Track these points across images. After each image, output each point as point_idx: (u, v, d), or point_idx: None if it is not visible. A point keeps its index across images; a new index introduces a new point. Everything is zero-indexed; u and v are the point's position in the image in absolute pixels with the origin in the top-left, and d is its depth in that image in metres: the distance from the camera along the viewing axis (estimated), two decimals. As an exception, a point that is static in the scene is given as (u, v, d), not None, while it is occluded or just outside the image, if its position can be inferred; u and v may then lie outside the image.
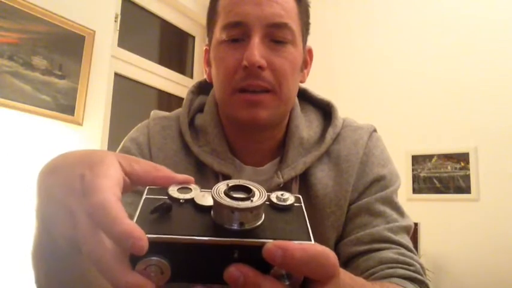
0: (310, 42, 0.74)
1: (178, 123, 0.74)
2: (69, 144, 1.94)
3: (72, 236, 0.33)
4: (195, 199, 0.34)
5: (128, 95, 2.59)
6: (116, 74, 2.42)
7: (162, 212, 0.32)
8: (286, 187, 0.69)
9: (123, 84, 2.48)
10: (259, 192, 0.33)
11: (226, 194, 0.32)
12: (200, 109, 0.76)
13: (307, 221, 0.34)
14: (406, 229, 0.69)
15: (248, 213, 0.31)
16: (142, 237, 0.28)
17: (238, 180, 0.34)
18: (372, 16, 2.84)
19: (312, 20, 0.73)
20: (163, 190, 0.35)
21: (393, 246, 0.65)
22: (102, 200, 0.30)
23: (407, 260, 0.64)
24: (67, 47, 1.96)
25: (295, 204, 0.36)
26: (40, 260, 0.45)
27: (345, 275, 0.40)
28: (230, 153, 0.70)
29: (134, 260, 0.29)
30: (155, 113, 0.79)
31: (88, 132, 2.03)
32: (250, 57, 0.60)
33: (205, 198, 0.34)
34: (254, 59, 0.60)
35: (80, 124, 2.00)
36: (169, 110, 0.81)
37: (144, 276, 0.29)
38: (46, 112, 1.86)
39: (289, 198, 0.35)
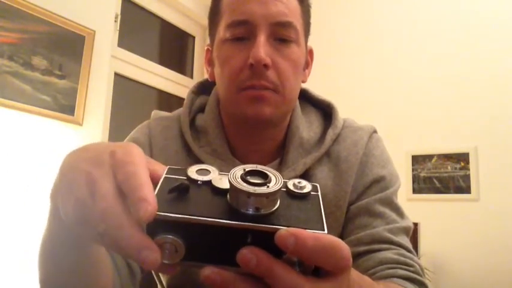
0: (311, 42, 0.74)
1: (179, 123, 0.74)
2: (69, 144, 1.94)
3: (86, 204, 0.33)
4: (213, 181, 0.34)
5: (128, 95, 2.59)
6: (116, 74, 2.42)
7: (179, 192, 0.32)
8: None
9: (123, 84, 2.48)
10: (276, 178, 0.33)
11: (243, 178, 0.32)
12: (201, 109, 0.76)
13: (323, 211, 0.34)
14: (405, 230, 0.69)
15: (264, 198, 0.31)
16: (152, 203, 0.30)
17: (255, 166, 0.34)
18: (372, 16, 2.84)
19: (312, 20, 0.73)
20: (183, 170, 0.35)
21: (393, 247, 0.65)
22: (135, 170, 0.32)
23: (408, 260, 0.64)
24: (67, 47, 1.97)
25: (312, 193, 0.36)
26: (49, 253, 0.45)
27: (353, 272, 0.40)
28: (230, 154, 0.70)
29: (151, 236, 0.30)
30: (156, 113, 0.79)
31: (88, 132, 2.03)
32: (256, 55, 0.61)
33: (223, 181, 0.34)
34: (260, 56, 0.60)
35: (80, 124, 2.00)
36: (169, 110, 0.81)
37: (159, 252, 0.30)
38: (46, 112, 1.86)
39: (306, 186, 0.36)
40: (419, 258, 0.68)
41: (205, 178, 0.35)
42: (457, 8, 2.52)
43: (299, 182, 0.36)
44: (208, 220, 0.31)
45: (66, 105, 1.94)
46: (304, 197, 0.35)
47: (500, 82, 2.32)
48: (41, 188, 1.77)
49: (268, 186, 0.32)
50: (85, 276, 0.46)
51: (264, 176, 0.33)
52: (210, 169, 0.36)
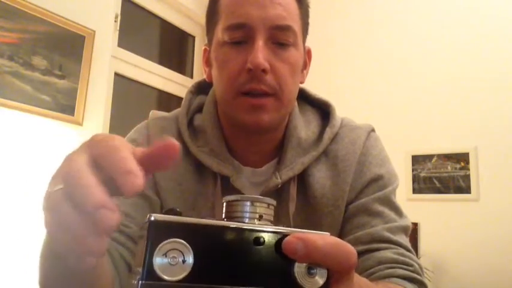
0: (311, 42, 0.74)
1: (177, 123, 0.74)
2: (69, 144, 1.94)
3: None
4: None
5: (128, 95, 2.59)
6: (116, 74, 2.42)
7: (173, 214, 0.31)
8: (284, 188, 0.69)
9: (123, 84, 2.48)
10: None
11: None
12: (199, 109, 0.76)
13: None
14: (404, 229, 0.69)
15: (266, 205, 0.32)
16: (138, 175, 0.29)
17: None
18: (372, 16, 2.84)
19: (311, 19, 0.72)
20: None
21: (392, 246, 0.65)
22: (115, 144, 0.31)
23: (407, 260, 0.64)
24: (67, 47, 1.97)
25: None
26: (46, 258, 0.46)
27: (359, 279, 0.39)
28: (229, 154, 0.70)
29: (156, 242, 0.28)
30: (154, 113, 0.79)
31: (88, 132, 2.03)
32: (254, 60, 0.60)
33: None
34: (258, 61, 0.60)
35: (80, 124, 2.00)
36: (169, 110, 0.81)
37: (163, 263, 0.27)
38: (46, 112, 1.86)
39: None
40: (419, 258, 0.68)
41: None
42: (458, 8, 2.53)
43: None
44: (219, 222, 0.29)
45: (66, 105, 1.94)
46: None
47: (500, 82, 2.32)
48: (41, 188, 1.77)
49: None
50: (82, 281, 0.46)
51: None
52: None
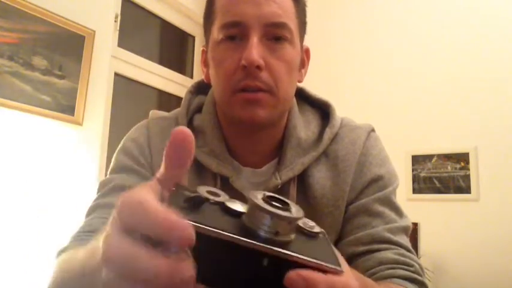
0: (311, 41, 0.74)
1: (177, 123, 0.74)
2: (69, 144, 1.94)
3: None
4: (226, 203, 0.32)
5: (128, 95, 2.59)
6: (116, 74, 2.42)
7: (194, 204, 0.30)
8: (284, 188, 0.69)
9: (123, 84, 2.48)
10: (296, 208, 0.32)
11: (265, 201, 0.30)
12: (199, 109, 0.76)
13: (335, 251, 0.33)
14: (404, 229, 0.69)
15: (286, 223, 0.30)
16: (185, 225, 0.26)
17: (272, 194, 0.33)
18: (372, 16, 2.84)
19: (311, 19, 0.72)
20: (192, 188, 0.33)
21: (392, 246, 0.65)
22: (140, 199, 0.28)
23: (407, 260, 0.64)
24: (67, 47, 1.96)
25: (321, 235, 0.35)
26: (70, 277, 0.44)
27: (355, 273, 0.39)
28: (228, 154, 0.70)
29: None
30: (154, 113, 0.79)
31: (88, 132, 2.03)
32: (248, 57, 0.60)
33: (235, 204, 0.32)
34: (253, 58, 0.60)
35: (80, 124, 2.00)
36: (169, 110, 0.81)
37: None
38: (46, 112, 1.86)
39: (316, 227, 0.35)
40: (419, 258, 0.68)
41: (217, 199, 0.32)
42: (458, 8, 2.52)
43: (308, 221, 0.35)
44: (225, 234, 0.28)
45: (66, 105, 1.94)
46: (314, 236, 0.34)
47: (500, 82, 2.32)
48: (40, 188, 1.77)
49: (291, 212, 0.30)
50: None
51: (284, 204, 0.32)
52: (219, 192, 0.34)
